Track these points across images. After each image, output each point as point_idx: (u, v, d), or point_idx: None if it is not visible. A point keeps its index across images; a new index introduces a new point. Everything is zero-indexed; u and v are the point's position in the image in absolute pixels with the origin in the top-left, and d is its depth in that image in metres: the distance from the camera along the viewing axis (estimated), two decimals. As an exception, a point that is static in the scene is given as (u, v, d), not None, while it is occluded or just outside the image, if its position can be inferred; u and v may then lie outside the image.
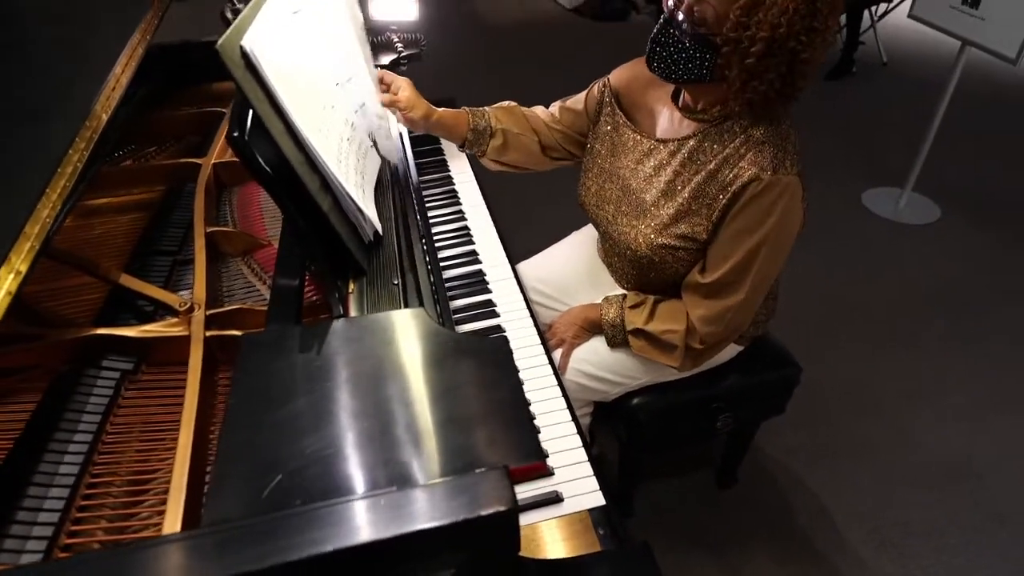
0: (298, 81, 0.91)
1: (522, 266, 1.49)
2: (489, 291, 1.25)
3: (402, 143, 1.43)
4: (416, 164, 1.46)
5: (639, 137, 1.19)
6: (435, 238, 1.34)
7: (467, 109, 1.34)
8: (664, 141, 1.15)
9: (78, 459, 0.80)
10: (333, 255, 0.94)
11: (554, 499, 0.87)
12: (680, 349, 1.17)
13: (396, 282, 0.97)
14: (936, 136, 2.72)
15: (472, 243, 1.35)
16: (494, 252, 1.32)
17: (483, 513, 0.56)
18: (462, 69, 4.20)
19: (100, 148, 0.98)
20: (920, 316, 2.35)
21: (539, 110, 1.39)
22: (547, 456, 0.93)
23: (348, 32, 1.15)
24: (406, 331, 0.83)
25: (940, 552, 1.61)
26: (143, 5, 1.28)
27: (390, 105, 1.27)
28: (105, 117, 1.01)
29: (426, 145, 1.64)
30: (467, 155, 1.47)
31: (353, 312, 0.91)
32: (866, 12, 4.10)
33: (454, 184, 1.53)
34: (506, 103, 1.39)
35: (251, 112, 0.80)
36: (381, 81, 1.28)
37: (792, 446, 1.86)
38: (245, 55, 0.77)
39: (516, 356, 1.10)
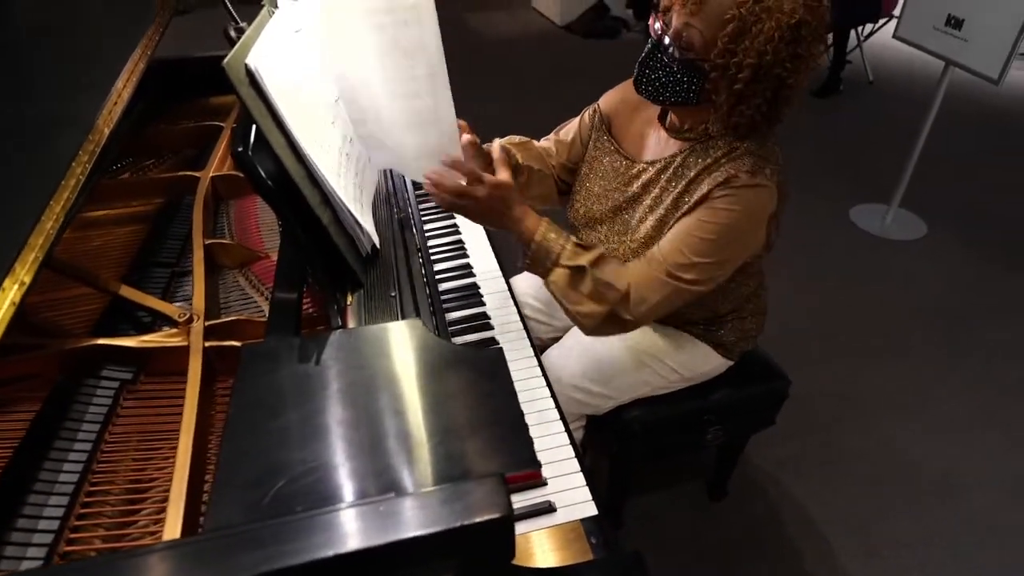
0: (300, 98, 0.93)
1: (516, 280, 1.51)
2: (483, 304, 1.26)
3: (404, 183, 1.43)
4: (413, 179, 1.48)
5: (628, 162, 1.21)
6: (431, 251, 1.36)
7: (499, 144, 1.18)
8: (652, 163, 1.17)
9: (77, 467, 0.81)
10: (332, 267, 0.96)
11: (547, 509, 0.88)
12: (606, 310, 1.06)
13: (393, 294, 0.99)
14: (921, 153, 2.78)
15: (467, 256, 1.37)
16: (488, 266, 1.34)
17: (479, 520, 0.58)
18: (454, 84, 4.22)
19: (101, 161, 1.00)
20: (907, 330, 2.38)
21: (539, 144, 1.35)
22: (541, 466, 0.94)
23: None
24: (403, 342, 0.85)
25: (926, 564, 1.63)
26: (145, 20, 1.30)
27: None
28: (107, 131, 1.03)
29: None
30: None
31: (351, 323, 0.93)
32: (852, 32, 4.18)
33: (455, 217, 1.55)
34: (517, 138, 1.31)
35: (254, 127, 0.82)
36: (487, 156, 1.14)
37: (782, 458, 1.88)
38: (250, 73, 0.80)
39: (510, 368, 1.12)
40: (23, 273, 0.77)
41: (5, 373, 0.90)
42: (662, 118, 1.19)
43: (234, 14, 1.20)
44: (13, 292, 0.75)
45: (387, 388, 0.78)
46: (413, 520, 0.57)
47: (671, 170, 1.13)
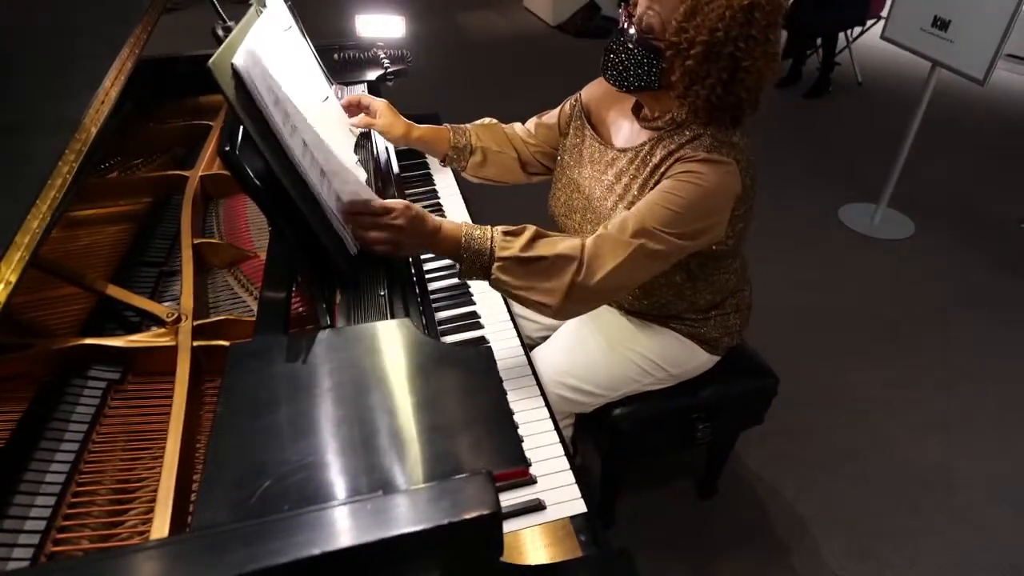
0: (287, 97, 0.93)
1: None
2: (473, 303, 1.27)
3: (388, 156, 1.45)
4: (402, 178, 1.48)
5: (603, 148, 1.24)
6: (420, 250, 1.37)
7: (449, 126, 1.38)
8: (624, 150, 1.20)
9: (64, 467, 0.81)
10: (320, 266, 0.96)
11: (536, 507, 0.89)
12: (565, 283, 1.02)
13: (382, 293, 0.99)
14: (909, 153, 2.80)
15: (457, 255, 1.37)
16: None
17: (467, 516, 0.58)
18: (447, 83, 4.24)
19: (89, 160, 0.99)
20: (894, 329, 2.40)
21: (517, 126, 1.43)
22: (530, 464, 0.95)
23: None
24: (392, 341, 0.85)
25: (915, 560, 1.64)
26: (133, 19, 1.29)
27: (366, 127, 1.32)
28: (94, 130, 1.02)
29: (412, 159, 1.67)
30: (452, 169, 1.50)
31: (340, 322, 0.93)
32: (841, 34, 4.22)
33: (439, 198, 1.56)
34: (487, 120, 1.43)
35: (241, 128, 0.82)
36: (358, 104, 1.32)
37: (771, 456, 1.89)
38: (236, 73, 0.80)
39: (500, 367, 1.12)
40: (8, 272, 0.76)
41: (-9, 373, 0.90)
42: (637, 109, 1.22)
43: (222, 13, 1.20)
44: (-1, 292, 0.74)
45: (374, 386, 0.78)
46: (400, 517, 0.57)
47: (640, 158, 1.16)
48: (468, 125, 1.40)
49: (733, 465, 1.83)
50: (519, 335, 1.21)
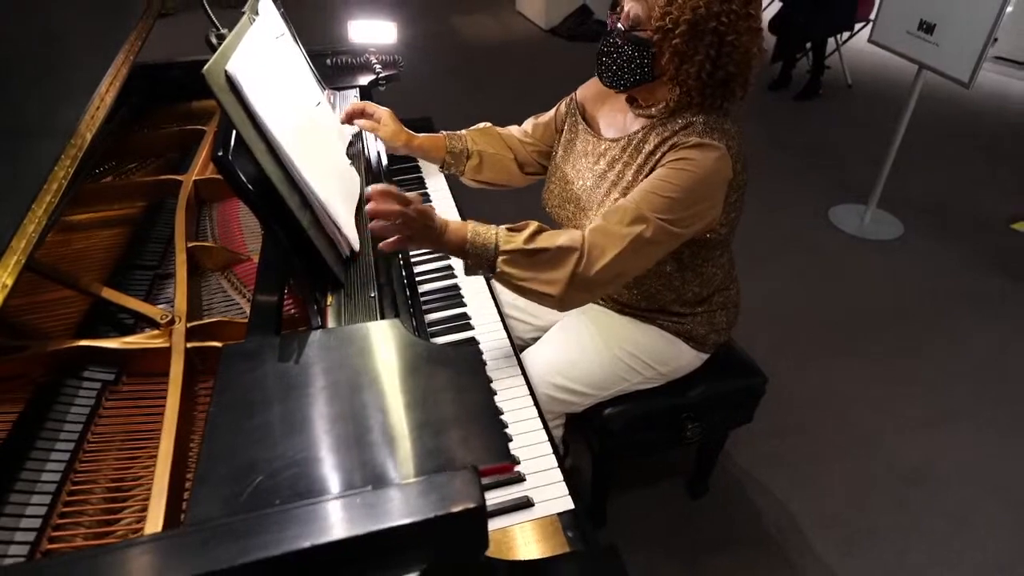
0: (280, 102, 0.95)
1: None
2: (464, 304, 1.29)
3: (379, 158, 1.47)
4: (393, 181, 1.50)
5: (596, 140, 1.27)
6: (411, 253, 1.38)
7: (445, 133, 1.40)
8: (616, 139, 1.23)
9: (59, 467, 0.82)
10: (312, 269, 0.98)
11: (525, 504, 0.91)
12: (567, 273, 1.05)
13: (373, 295, 1.00)
14: (897, 155, 2.83)
15: (448, 257, 1.39)
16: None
17: (453, 510, 0.59)
18: (440, 88, 4.26)
19: (84, 165, 1.01)
20: (883, 328, 2.43)
21: (513, 129, 1.46)
22: (519, 462, 0.97)
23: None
24: (382, 341, 0.87)
25: (904, 555, 1.66)
26: (128, 25, 1.31)
27: (371, 131, 1.34)
28: (89, 136, 1.03)
29: (404, 163, 1.68)
30: (444, 173, 1.52)
31: (331, 323, 0.95)
32: (831, 38, 4.25)
33: (431, 200, 1.58)
34: (482, 125, 1.45)
35: (235, 133, 0.84)
36: (363, 112, 1.34)
37: (761, 455, 1.91)
38: (230, 79, 0.81)
39: (490, 367, 1.14)
40: (5, 276, 0.78)
41: (-13, 375, 0.91)
42: (631, 100, 1.25)
43: (215, 21, 1.22)
44: (-5, 295, 0.76)
45: (365, 385, 0.80)
46: (388, 511, 0.59)
47: (633, 145, 1.19)
48: (464, 131, 1.43)
49: (723, 464, 1.85)
50: (509, 336, 1.23)
